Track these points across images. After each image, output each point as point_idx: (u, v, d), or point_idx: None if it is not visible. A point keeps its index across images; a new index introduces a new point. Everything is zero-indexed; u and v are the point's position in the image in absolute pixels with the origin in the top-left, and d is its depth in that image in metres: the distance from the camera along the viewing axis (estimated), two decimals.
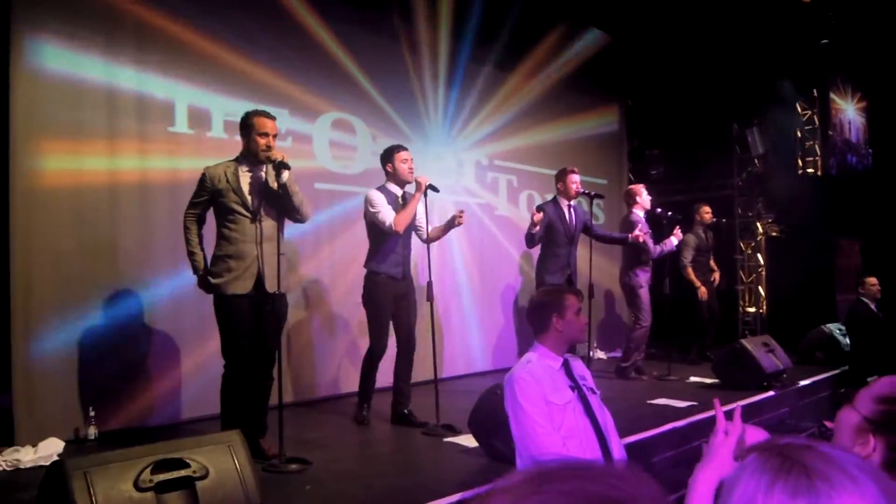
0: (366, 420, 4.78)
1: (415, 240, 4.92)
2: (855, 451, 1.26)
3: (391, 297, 4.69)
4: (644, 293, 6.55)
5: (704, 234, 7.63)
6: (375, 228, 4.68)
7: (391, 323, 4.76)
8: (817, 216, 8.47)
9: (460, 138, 7.07)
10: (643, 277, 6.56)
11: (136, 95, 4.76)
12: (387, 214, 4.57)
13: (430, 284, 4.59)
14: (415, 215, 4.71)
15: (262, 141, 3.87)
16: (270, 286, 3.86)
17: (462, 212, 4.70)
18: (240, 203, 3.86)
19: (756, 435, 1.41)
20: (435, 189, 4.65)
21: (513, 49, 7.33)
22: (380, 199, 4.62)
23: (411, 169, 4.72)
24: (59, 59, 4.38)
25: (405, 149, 4.79)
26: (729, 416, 1.49)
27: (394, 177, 4.74)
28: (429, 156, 6.72)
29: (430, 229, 4.81)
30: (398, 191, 4.75)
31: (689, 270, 7.37)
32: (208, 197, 3.91)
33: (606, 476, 0.68)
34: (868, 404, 1.29)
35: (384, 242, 4.67)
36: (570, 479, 0.67)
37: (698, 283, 7.35)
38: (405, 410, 4.75)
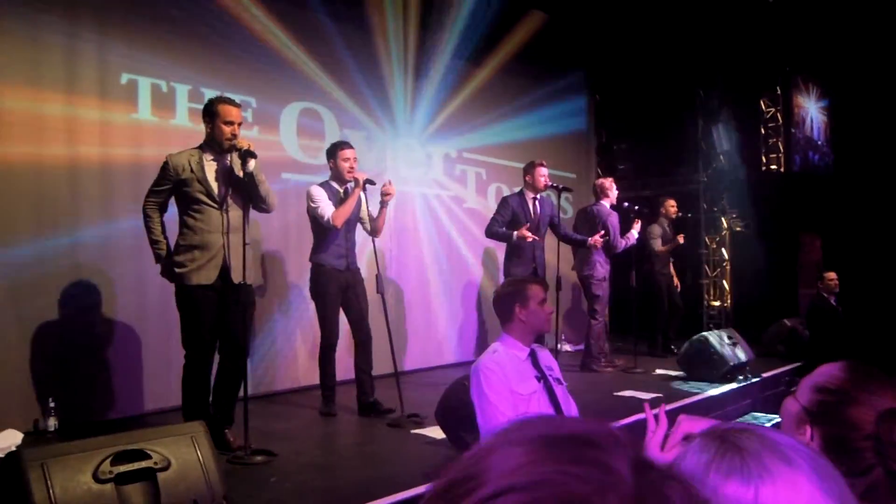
0: (331, 412, 4.77)
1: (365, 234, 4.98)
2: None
3: (337, 289, 4.76)
4: (606, 286, 6.58)
5: (670, 228, 7.71)
6: (317, 222, 4.73)
7: (343, 314, 4.83)
8: (780, 212, 8.61)
9: (429, 131, 7.05)
10: (605, 270, 6.56)
11: (98, 81, 4.66)
12: (325, 209, 4.65)
13: (378, 277, 4.67)
14: (358, 211, 4.77)
15: (227, 129, 3.81)
16: (236, 277, 3.81)
17: (385, 184, 4.74)
18: (205, 193, 3.80)
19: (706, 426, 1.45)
20: (371, 182, 4.73)
21: (483, 42, 7.32)
22: (320, 195, 4.69)
23: (352, 168, 4.76)
24: (18, 41, 4.27)
25: (349, 147, 4.83)
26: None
27: (335, 173, 4.79)
28: (398, 148, 6.70)
29: (375, 220, 4.86)
30: (339, 187, 4.80)
31: (660, 248, 7.46)
32: (171, 186, 3.83)
33: (566, 420, 0.68)
34: (806, 394, 1.28)
35: (326, 235, 4.74)
36: (531, 426, 0.66)
37: (675, 237, 7.47)
38: (370, 400, 4.77)
